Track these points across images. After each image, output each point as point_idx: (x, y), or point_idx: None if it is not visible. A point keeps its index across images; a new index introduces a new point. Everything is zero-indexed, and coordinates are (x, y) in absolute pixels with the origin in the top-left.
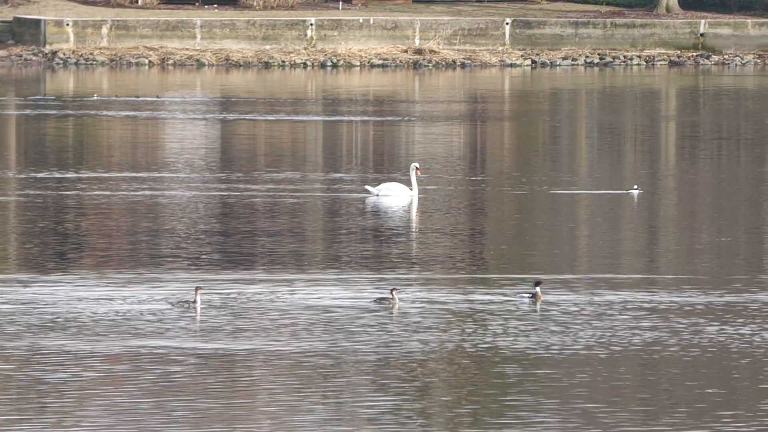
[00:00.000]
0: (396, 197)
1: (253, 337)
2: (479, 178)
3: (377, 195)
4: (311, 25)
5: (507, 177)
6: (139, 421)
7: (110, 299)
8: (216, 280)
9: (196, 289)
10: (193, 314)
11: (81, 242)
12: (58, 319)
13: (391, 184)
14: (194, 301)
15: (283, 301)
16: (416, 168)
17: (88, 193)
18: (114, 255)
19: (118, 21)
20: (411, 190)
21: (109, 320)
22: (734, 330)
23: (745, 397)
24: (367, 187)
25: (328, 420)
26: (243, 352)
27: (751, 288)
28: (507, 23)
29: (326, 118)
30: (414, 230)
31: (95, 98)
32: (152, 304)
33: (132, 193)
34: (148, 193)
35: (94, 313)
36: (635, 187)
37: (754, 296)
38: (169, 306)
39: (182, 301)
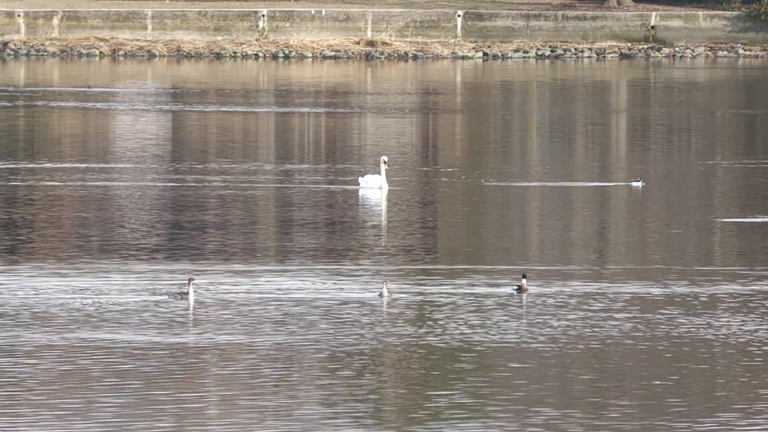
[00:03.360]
0: (375, 189)
1: (212, 329)
2: (438, 170)
3: (359, 186)
4: (263, 16)
5: (471, 169)
6: (93, 415)
7: (63, 290)
8: (169, 270)
9: (189, 280)
10: (186, 305)
11: (31, 233)
12: (7, 311)
13: (373, 176)
14: (186, 293)
15: (262, 293)
16: (384, 161)
17: (38, 183)
18: (66, 246)
19: (69, 12)
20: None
21: (62, 311)
22: (697, 320)
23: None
24: (359, 179)
25: (309, 416)
26: (199, 345)
27: (706, 279)
28: (459, 15)
29: (278, 110)
30: (384, 222)
31: (33, 89)
32: (107, 295)
33: (83, 183)
34: (99, 184)
35: (45, 304)
36: (638, 179)
37: (710, 288)
38: (166, 297)
39: (178, 293)
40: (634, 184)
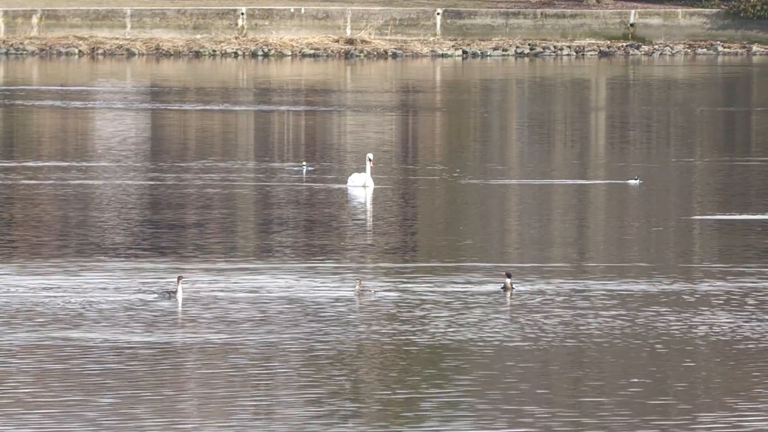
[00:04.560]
0: (359, 187)
1: (199, 328)
2: (422, 168)
3: (347, 186)
4: (242, 14)
5: (456, 167)
6: (76, 415)
7: (41, 289)
8: (152, 269)
9: (178, 278)
10: (175, 304)
11: (11, 232)
12: None
13: (358, 174)
14: (175, 291)
15: (245, 292)
16: (370, 159)
17: (17, 182)
18: (45, 245)
19: (48, 11)
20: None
21: (42, 310)
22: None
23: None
24: (349, 178)
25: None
26: (186, 344)
27: (683, 277)
28: (438, 13)
29: (258, 108)
30: (370, 220)
31: (11, 88)
32: (88, 294)
33: (62, 182)
34: (78, 182)
35: (25, 303)
36: (635, 177)
37: (690, 285)
38: (155, 296)
39: (167, 291)
40: (631, 182)
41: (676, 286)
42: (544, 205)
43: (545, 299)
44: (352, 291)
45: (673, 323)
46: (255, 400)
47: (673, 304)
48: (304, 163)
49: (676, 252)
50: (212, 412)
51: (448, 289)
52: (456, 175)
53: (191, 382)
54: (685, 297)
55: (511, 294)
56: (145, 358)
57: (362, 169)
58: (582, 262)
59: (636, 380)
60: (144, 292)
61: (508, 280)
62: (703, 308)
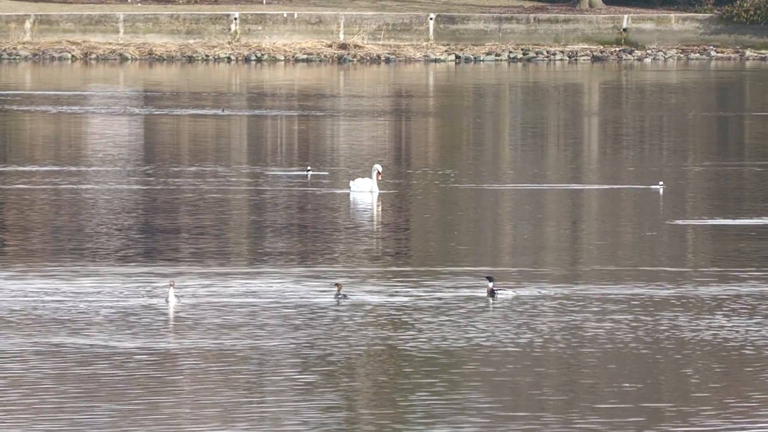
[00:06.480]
0: (366, 193)
1: (190, 334)
2: (426, 173)
3: (350, 190)
4: (235, 19)
5: (461, 172)
6: (60, 421)
7: (34, 293)
8: (142, 274)
9: (170, 284)
10: (169, 308)
11: (3, 237)
12: None
13: (363, 180)
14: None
15: (240, 296)
16: (378, 172)
17: (11, 187)
18: (38, 250)
19: (41, 15)
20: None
21: (33, 315)
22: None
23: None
24: (350, 182)
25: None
26: (177, 350)
27: (676, 281)
28: (431, 18)
29: (251, 113)
30: (376, 226)
31: (4, 93)
32: (81, 299)
33: (56, 187)
34: (72, 187)
35: (17, 309)
36: (660, 183)
37: (682, 290)
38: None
39: (167, 297)
40: (654, 187)
41: (682, 291)
42: (573, 211)
43: (546, 304)
44: (333, 294)
45: (672, 328)
46: (249, 407)
47: (682, 308)
48: (309, 167)
49: (708, 257)
50: (206, 418)
51: (450, 294)
52: (453, 180)
53: (185, 388)
54: (707, 302)
55: (494, 299)
56: (137, 364)
57: (365, 174)
58: (605, 266)
59: (629, 385)
60: (147, 297)
61: (490, 284)
62: (708, 313)
